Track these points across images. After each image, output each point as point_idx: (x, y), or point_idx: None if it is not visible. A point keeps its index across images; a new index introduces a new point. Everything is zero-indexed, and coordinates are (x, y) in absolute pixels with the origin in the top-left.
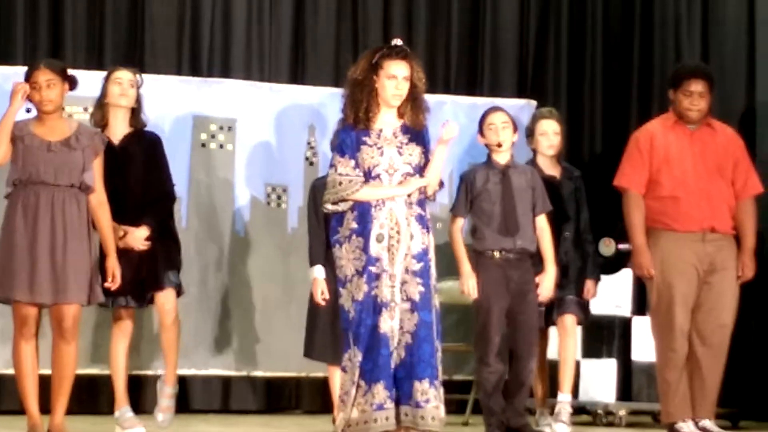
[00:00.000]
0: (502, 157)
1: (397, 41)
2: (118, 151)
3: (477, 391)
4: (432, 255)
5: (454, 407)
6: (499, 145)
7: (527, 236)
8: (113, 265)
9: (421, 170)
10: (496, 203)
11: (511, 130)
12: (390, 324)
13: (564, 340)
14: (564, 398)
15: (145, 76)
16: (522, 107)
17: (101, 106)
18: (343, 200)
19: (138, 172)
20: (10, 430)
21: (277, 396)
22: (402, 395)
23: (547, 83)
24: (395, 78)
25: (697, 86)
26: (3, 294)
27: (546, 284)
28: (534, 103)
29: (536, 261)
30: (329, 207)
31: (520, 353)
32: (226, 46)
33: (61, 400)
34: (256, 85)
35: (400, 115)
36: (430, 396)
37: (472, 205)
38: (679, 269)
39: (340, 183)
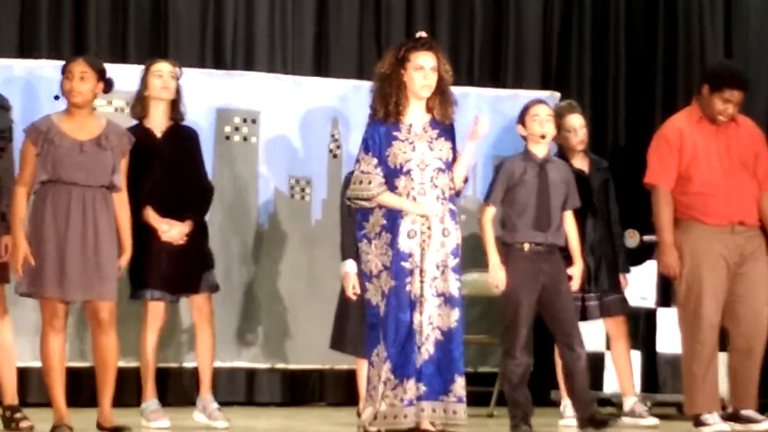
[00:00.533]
0: (540, 150)
1: (422, 33)
2: (160, 144)
3: (502, 383)
4: (459, 252)
5: (478, 399)
6: (543, 137)
7: (558, 231)
8: (124, 263)
9: (449, 165)
10: (531, 196)
11: (553, 124)
12: (419, 319)
13: (617, 343)
14: (633, 399)
15: None
16: (546, 99)
17: (141, 99)
18: (365, 199)
19: (179, 166)
20: (37, 423)
21: (301, 388)
22: (430, 391)
23: (571, 75)
24: (422, 69)
25: (734, 95)
26: (32, 289)
27: (576, 276)
28: (557, 94)
29: (565, 254)
30: (358, 202)
31: (561, 346)
32: (250, 39)
33: (107, 392)
34: (279, 77)
35: (429, 110)
36: (459, 391)
37: (505, 196)
38: (709, 261)
39: (361, 182)
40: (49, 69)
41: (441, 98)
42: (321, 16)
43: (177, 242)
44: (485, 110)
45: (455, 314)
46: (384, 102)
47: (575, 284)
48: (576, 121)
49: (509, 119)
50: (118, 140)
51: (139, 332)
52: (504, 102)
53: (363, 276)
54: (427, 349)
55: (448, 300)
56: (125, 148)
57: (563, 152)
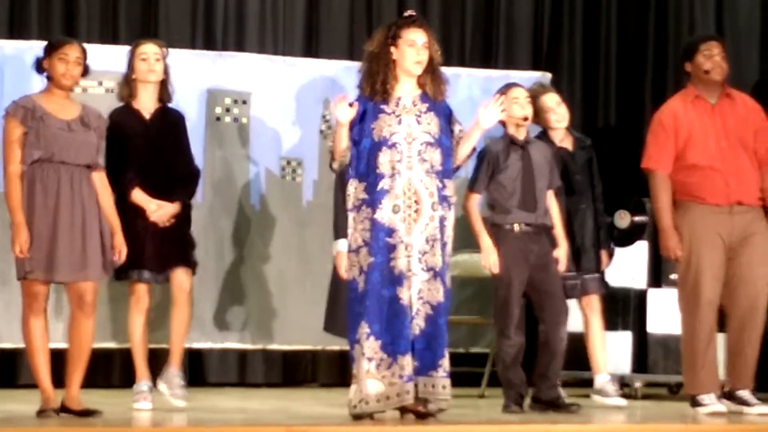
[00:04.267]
0: (521, 132)
1: (412, 12)
2: (148, 125)
3: (496, 363)
4: (450, 231)
5: (470, 380)
6: (526, 119)
7: (545, 211)
8: (120, 242)
9: (438, 141)
10: (516, 178)
11: (531, 106)
12: (408, 294)
13: (592, 321)
14: (605, 377)
15: None
16: (537, 79)
17: (129, 81)
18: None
19: (166, 149)
20: (25, 404)
21: (294, 369)
22: (421, 367)
23: (562, 55)
24: (415, 44)
25: (713, 47)
26: (20, 272)
27: (562, 258)
28: (549, 75)
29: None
30: (335, 166)
31: (548, 324)
32: (240, 20)
33: (78, 373)
34: (270, 58)
35: (420, 86)
36: (447, 366)
37: (491, 180)
38: (708, 241)
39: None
40: (39, 49)
41: (432, 76)
42: None
43: (164, 223)
44: (476, 91)
45: (440, 288)
46: (371, 81)
47: (561, 266)
48: (551, 101)
49: None
50: (97, 121)
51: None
52: (495, 83)
53: (348, 249)
54: (418, 324)
55: (437, 274)
56: (103, 130)
57: (546, 133)
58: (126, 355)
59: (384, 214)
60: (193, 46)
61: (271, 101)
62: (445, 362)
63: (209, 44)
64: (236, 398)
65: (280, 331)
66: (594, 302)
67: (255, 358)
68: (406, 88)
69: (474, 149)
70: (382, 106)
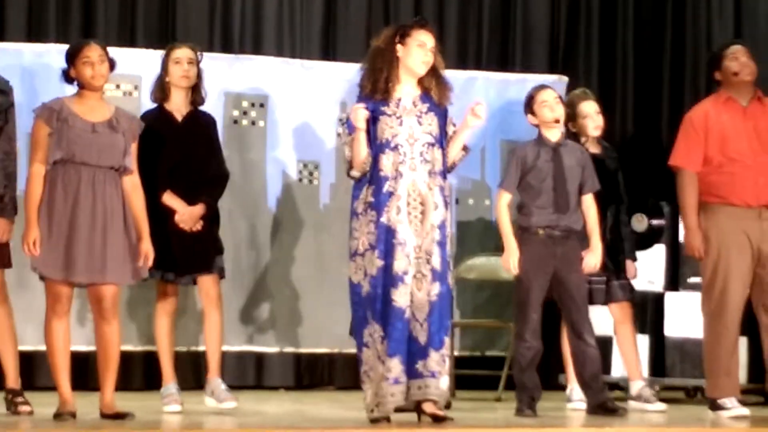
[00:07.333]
0: (553, 134)
1: (421, 17)
2: (180, 127)
3: (512, 366)
4: (449, 229)
5: (487, 383)
6: (557, 121)
7: (574, 215)
8: (147, 248)
9: (439, 141)
10: (545, 180)
11: (562, 106)
12: (405, 297)
13: (622, 327)
14: (639, 384)
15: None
16: (553, 83)
17: (162, 84)
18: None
19: (196, 151)
20: (44, 407)
21: (311, 372)
22: (413, 368)
23: (579, 59)
24: (425, 46)
25: (738, 51)
26: (41, 270)
27: (591, 260)
28: (565, 79)
29: (581, 238)
30: (355, 174)
31: (571, 331)
32: (258, 23)
33: (109, 379)
34: (287, 61)
35: (423, 89)
36: (443, 367)
37: (521, 181)
38: (736, 244)
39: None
40: (56, 53)
41: (438, 81)
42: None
43: (191, 228)
44: (492, 94)
45: (436, 288)
46: (373, 77)
47: (588, 266)
48: (591, 108)
49: (516, 103)
50: (129, 124)
51: (148, 316)
52: (511, 86)
53: (349, 254)
54: (422, 325)
55: (436, 275)
56: (135, 133)
57: (577, 140)
58: (145, 358)
59: (389, 217)
60: (210, 49)
61: (288, 104)
62: (430, 362)
63: (226, 47)
64: (253, 401)
65: (298, 334)
66: (624, 309)
67: (272, 361)
68: (406, 90)
69: (469, 149)
70: (383, 108)
